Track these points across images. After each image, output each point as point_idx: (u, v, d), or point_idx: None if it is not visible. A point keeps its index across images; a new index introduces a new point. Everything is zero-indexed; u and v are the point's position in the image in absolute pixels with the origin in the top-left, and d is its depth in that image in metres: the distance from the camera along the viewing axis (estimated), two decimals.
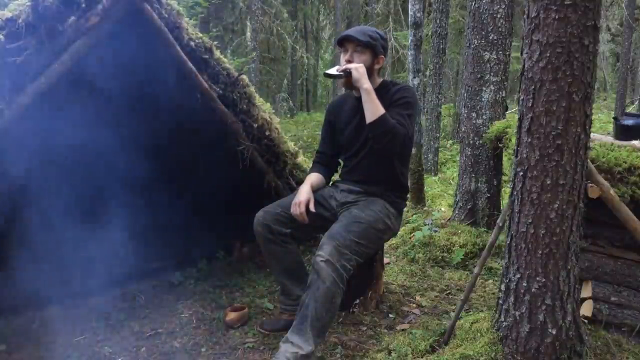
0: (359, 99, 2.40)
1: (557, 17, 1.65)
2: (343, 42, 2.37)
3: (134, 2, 2.22)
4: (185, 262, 3.24)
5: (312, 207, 2.31)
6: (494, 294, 2.87)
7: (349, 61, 2.33)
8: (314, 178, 2.50)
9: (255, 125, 2.77)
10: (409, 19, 4.72)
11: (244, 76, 2.71)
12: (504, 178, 4.44)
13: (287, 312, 2.46)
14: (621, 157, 2.18)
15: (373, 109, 2.20)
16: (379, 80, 2.44)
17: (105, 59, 2.40)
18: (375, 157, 2.39)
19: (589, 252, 2.27)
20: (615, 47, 19.13)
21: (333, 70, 2.35)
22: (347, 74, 2.28)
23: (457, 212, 3.97)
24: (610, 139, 2.59)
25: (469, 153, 3.85)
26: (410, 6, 4.69)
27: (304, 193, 2.34)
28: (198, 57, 2.52)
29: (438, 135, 8.11)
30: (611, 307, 2.22)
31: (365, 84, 2.22)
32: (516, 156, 1.84)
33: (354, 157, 2.47)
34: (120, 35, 2.29)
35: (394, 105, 2.29)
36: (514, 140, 1.94)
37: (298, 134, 11.85)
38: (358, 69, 2.24)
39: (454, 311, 2.39)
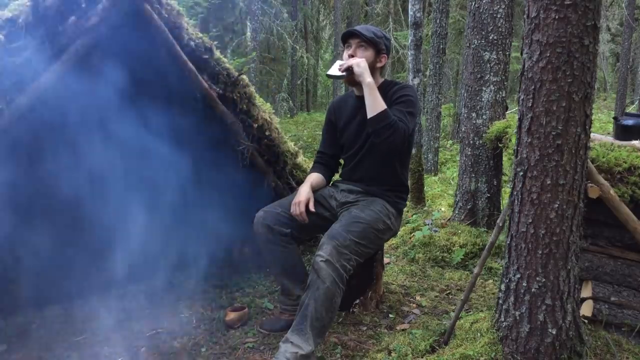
0: (360, 98, 2.39)
1: (557, 17, 1.65)
2: (347, 38, 2.37)
3: (134, 2, 2.22)
4: (185, 262, 3.24)
5: (311, 207, 2.32)
6: (494, 294, 2.87)
7: (351, 56, 2.34)
8: (314, 178, 2.50)
9: (255, 125, 2.77)
10: (409, 19, 4.72)
11: (244, 76, 2.71)
12: (504, 178, 4.44)
13: (287, 312, 2.46)
14: (621, 157, 2.18)
15: (374, 104, 2.20)
16: (381, 80, 2.45)
17: (105, 59, 2.40)
18: (376, 156, 2.39)
19: (589, 252, 2.27)
20: (615, 47, 19.14)
21: (334, 70, 2.33)
22: (349, 72, 2.27)
23: (457, 212, 3.97)
24: (610, 139, 2.59)
25: (469, 153, 3.85)
26: (410, 6, 4.69)
27: (303, 193, 2.35)
28: (198, 57, 2.51)
29: (438, 135, 8.11)
30: (611, 307, 2.22)
31: (368, 79, 2.22)
32: (516, 156, 1.84)
33: (355, 157, 2.47)
34: (120, 35, 2.29)
35: (395, 103, 2.30)
36: (514, 140, 1.94)
37: (298, 134, 11.86)
38: (359, 64, 2.24)
39: (454, 311, 2.39)
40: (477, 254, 3.42)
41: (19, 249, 2.59)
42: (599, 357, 1.98)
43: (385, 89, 2.39)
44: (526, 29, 1.75)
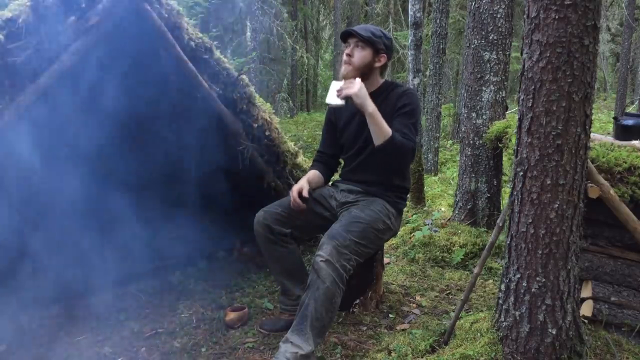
0: None
1: (557, 17, 1.65)
2: (347, 37, 2.37)
3: (134, 2, 2.22)
4: (185, 262, 3.24)
5: (305, 193, 2.30)
6: (494, 294, 2.87)
7: (349, 55, 2.34)
8: (312, 174, 2.50)
9: (255, 125, 2.78)
10: (409, 19, 4.72)
11: (244, 76, 2.71)
12: (504, 178, 4.44)
13: (287, 312, 2.47)
14: (621, 157, 2.18)
15: (379, 132, 2.17)
16: (381, 80, 2.44)
17: (105, 59, 2.40)
18: (376, 157, 2.39)
19: (589, 252, 2.27)
20: (615, 47, 19.15)
21: (333, 98, 2.22)
22: (349, 99, 2.19)
23: (457, 212, 3.97)
24: (610, 139, 2.59)
25: (469, 153, 3.85)
26: (410, 6, 4.69)
27: (299, 183, 2.36)
28: (198, 57, 2.52)
29: (438, 135, 8.11)
30: (611, 307, 2.22)
31: (369, 108, 2.17)
32: (516, 156, 1.84)
33: (355, 157, 2.47)
34: (120, 35, 2.29)
35: (398, 114, 2.29)
36: (514, 140, 1.94)
37: (298, 134, 11.85)
38: (358, 94, 2.16)
39: (454, 311, 2.39)
40: (477, 254, 3.42)
41: (19, 248, 2.59)
42: (599, 357, 1.98)
43: (387, 91, 2.38)
44: (526, 29, 1.75)
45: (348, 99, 2.20)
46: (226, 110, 2.66)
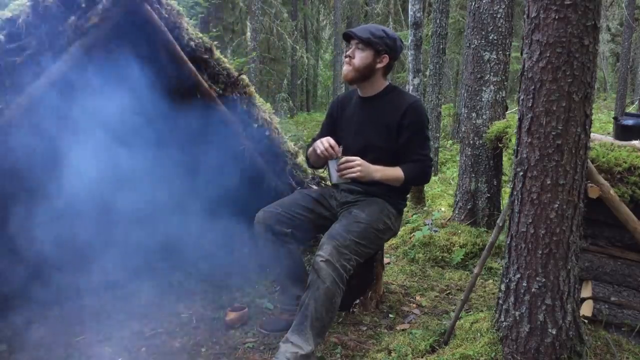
0: (364, 99, 2.43)
1: (557, 17, 1.65)
2: (348, 38, 2.38)
3: (134, 2, 2.22)
4: (186, 262, 3.24)
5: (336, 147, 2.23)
6: (494, 294, 2.87)
7: (349, 56, 2.34)
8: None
9: (255, 125, 2.78)
10: (409, 19, 4.73)
11: (244, 76, 2.71)
12: (504, 178, 4.44)
13: (287, 312, 2.46)
14: (621, 157, 2.18)
15: (394, 181, 2.30)
16: (385, 83, 2.43)
17: (105, 58, 2.40)
18: (376, 157, 2.39)
19: (589, 252, 2.27)
20: (615, 47, 19.16)
21: (337, 177, 2.21)
22: (353, 179, 2.21)
23: (457, 212, 3.97)
24: (610, 139, 2.59)
25: (469, 153, 3.85)
26: (410, 6, 4.70)
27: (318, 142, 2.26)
28: (198, 57, 2.51)
29: (438, 135, 8.12)
30: (611, 307, 2.22)
31: (376, 175, 2.24)
32: (516, 156, 1.84)
33: None
34: (120, 35, 2.29)
35: (408, 134, 2.30)
36: (514, 140, 1.95)
37: (298, 134, 11.85)
38: (362, 175, 2.18)
39: (454, 311, 2.39)
40: (477, 254, 3.42)
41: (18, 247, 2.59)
42: (599, 357, 1.98)
43: (390, 95, 2.38)
44: (526, 29, 1.75)
45: (351, 178, 2.21)
46: (226, 110, 2.66)
